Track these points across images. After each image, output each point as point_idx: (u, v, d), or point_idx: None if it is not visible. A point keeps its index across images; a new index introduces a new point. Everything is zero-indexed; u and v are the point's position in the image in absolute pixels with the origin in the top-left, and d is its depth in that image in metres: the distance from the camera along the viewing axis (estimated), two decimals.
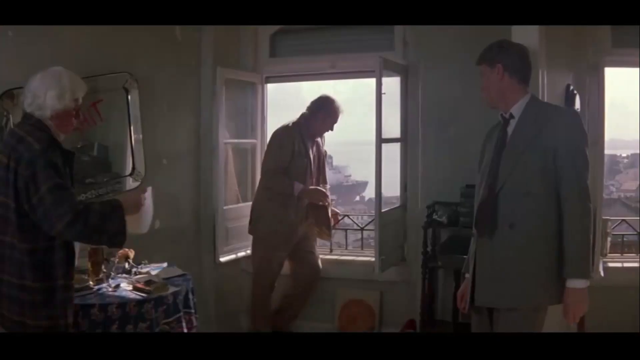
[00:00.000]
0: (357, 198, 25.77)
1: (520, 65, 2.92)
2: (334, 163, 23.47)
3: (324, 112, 5.14)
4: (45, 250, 2.84)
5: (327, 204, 5.24)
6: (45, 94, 2.87)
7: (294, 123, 5.13)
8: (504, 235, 2.82)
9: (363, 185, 25.62)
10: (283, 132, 5.10)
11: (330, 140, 5.55)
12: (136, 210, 3.15)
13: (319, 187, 5.21)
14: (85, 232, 2.80)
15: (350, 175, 27.23)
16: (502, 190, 2.84)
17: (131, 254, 4.02)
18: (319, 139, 5.32)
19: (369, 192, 24.91)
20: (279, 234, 5.09)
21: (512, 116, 2.91)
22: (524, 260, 2.79)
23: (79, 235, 2.84)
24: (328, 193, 5.29)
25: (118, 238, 2.94)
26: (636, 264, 4.73)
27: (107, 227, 2.88)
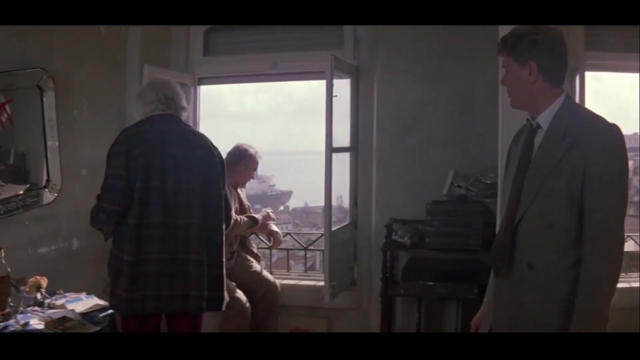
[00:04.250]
0: (282, 208, 25.88)
1: (557, 63, 2.37)
2: (259, 172, 23.52)
3: (245, 161, 4.82)
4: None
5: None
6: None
7: None
8: (523, 277, 2.33)
9: (287, 194, 25.86)
10: None
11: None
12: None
13: None
14: None
15: (274, 185, 27.44)
16: (522, 220, 2.33)
17: (44, 282, 3.50)
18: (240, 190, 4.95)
19: (293, 202, 25.13)
20: None
21: (539, 126, 2.39)
22: (547, 308, 2.29)
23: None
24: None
25: None
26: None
27: None
